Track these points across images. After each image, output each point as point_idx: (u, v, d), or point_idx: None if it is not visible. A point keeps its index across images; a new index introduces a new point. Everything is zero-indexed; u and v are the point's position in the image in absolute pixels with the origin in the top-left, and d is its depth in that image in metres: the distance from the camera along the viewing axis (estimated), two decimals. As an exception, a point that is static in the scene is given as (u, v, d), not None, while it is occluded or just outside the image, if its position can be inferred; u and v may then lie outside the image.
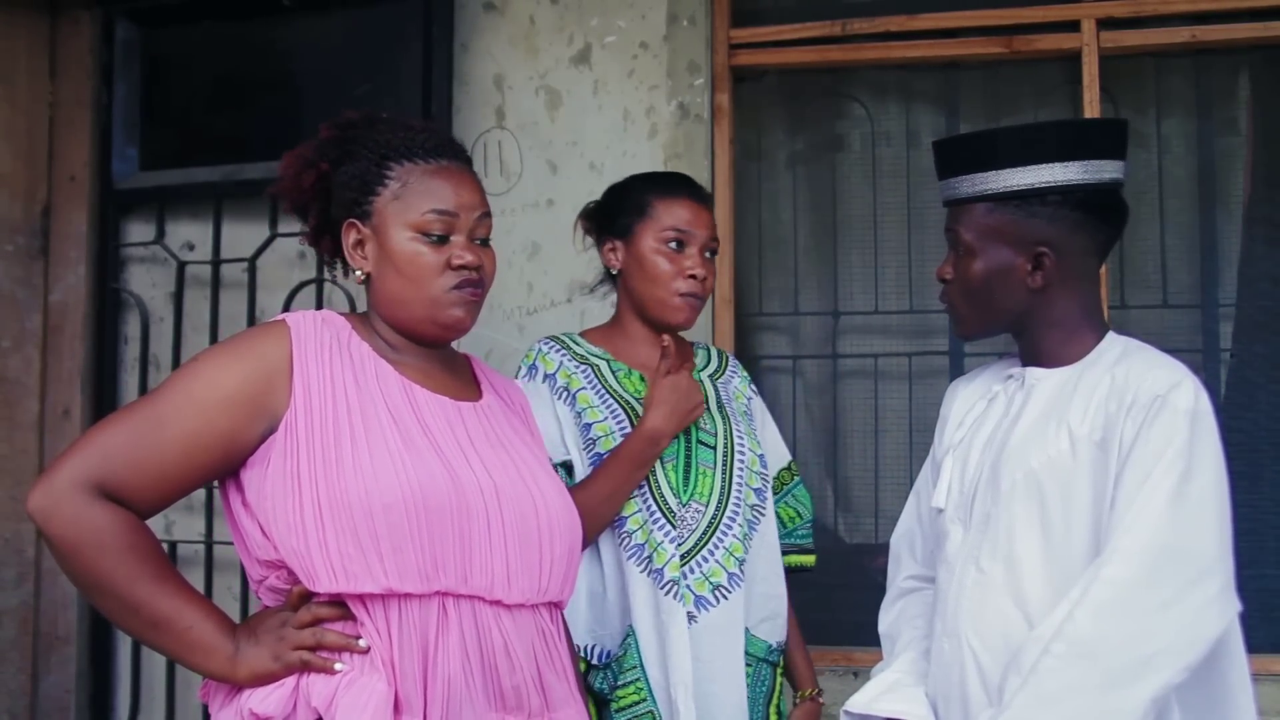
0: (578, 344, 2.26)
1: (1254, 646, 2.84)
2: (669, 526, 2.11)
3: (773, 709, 2.21)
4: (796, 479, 2.40)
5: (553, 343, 2.26)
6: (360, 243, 1.74)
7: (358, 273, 1.74)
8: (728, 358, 2.41)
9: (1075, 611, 1.60)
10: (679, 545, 2.11)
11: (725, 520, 2.15)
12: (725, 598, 2.13)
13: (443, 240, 1.71)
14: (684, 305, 2.21)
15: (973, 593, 1.76)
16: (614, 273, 2.28)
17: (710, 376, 2.31)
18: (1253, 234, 3.13)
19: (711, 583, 2.12)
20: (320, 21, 3.31)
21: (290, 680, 1.56)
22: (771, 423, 2.41)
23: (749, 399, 2.34)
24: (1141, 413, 1.67)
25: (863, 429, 3.26)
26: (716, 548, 2.14)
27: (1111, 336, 1.83)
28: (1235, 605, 1.65)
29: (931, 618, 1.89)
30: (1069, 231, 1.78)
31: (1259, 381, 3.06)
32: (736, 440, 2.22)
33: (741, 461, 2.21)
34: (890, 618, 2.00)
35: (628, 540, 2.12)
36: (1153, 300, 3.12)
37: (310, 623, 1.57)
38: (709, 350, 2.40)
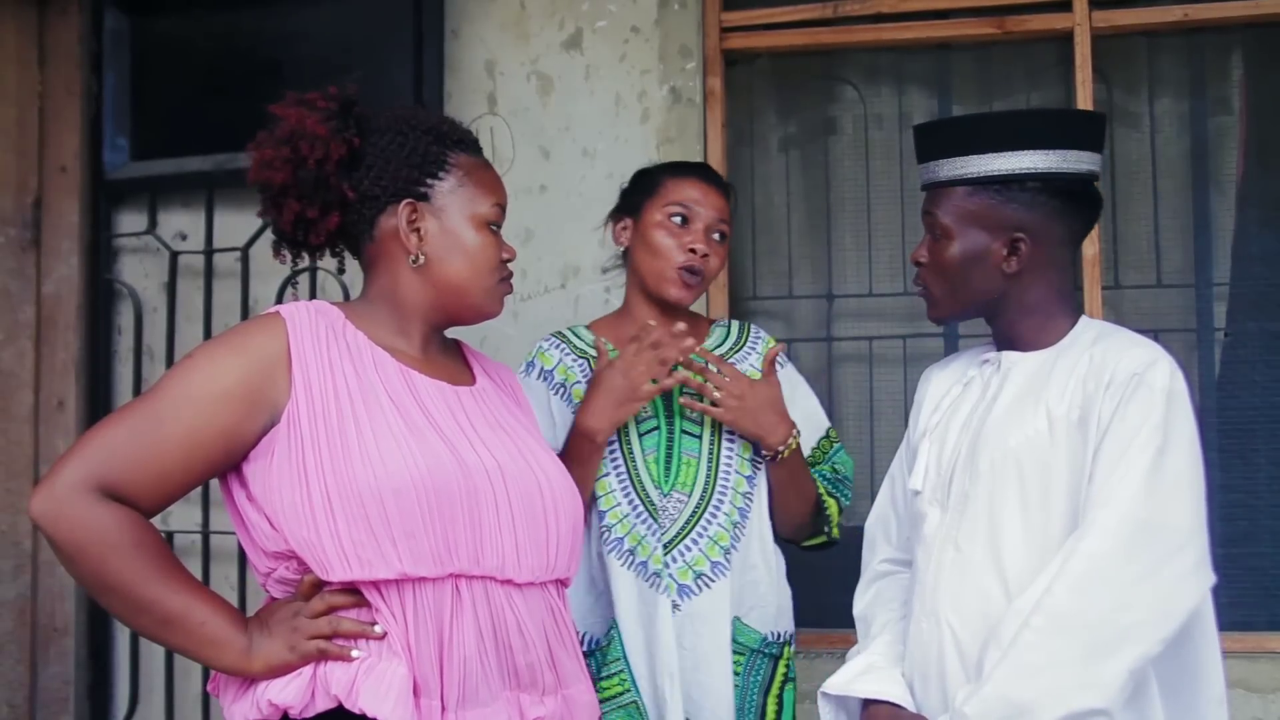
0: (579, 337, 2.27)
1: (1249, 625, 2.87)
2: (651, 520, 2.12)
3: (771, 698, 2.21)
4: (837, 446, 2.33)
5: (553, 339, 2.27)
6: (415, 224, 1.74)
7: (412, 258, 1.74)
8: (750, 333, 2.35)
9: (1054, 585, 1.63)
10: (661, 536, 2.12)
11: (710, 509, 2.15)
12: (709, 586, 2.13)
13: (496, 234, 1.79)
14: (679, 279, 2.20)
15: (951, 572, 1.78)
16: (624, 249, 2.29)
17: (721, 356, 2.29)
18: (1246, 213, 3.13)
19: (694, 571, 2.13)
20: (311, 9, 3.30)
21: (307, 669, 1.57)
22: (805, 393, 2.35)
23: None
24: (1119, 390, 1.70)
25: (858, 412, 3.26)
26: (700, 536, 2.14)
27: (1085, 320, 1.87)
28: (1210, 578, 1.67)
29: (907, 600, 1.91)
30: (1045, 218, 1.80)
31: (1252, 361, 3.06)
32: (727, 427, 2.21)
33: (731, 448, 2.20)
34: (865, 601, 2.02)
35: (608, 534, 2.13)
36: (1146, 280, 3.12)
37: (324, 611, 1.58)
38: (729, 326, 2.36)
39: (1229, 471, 3.00)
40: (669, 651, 2.08)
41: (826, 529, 2.29)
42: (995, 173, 1.79)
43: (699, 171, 2.31)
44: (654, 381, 2.08)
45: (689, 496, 2.15)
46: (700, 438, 2.19)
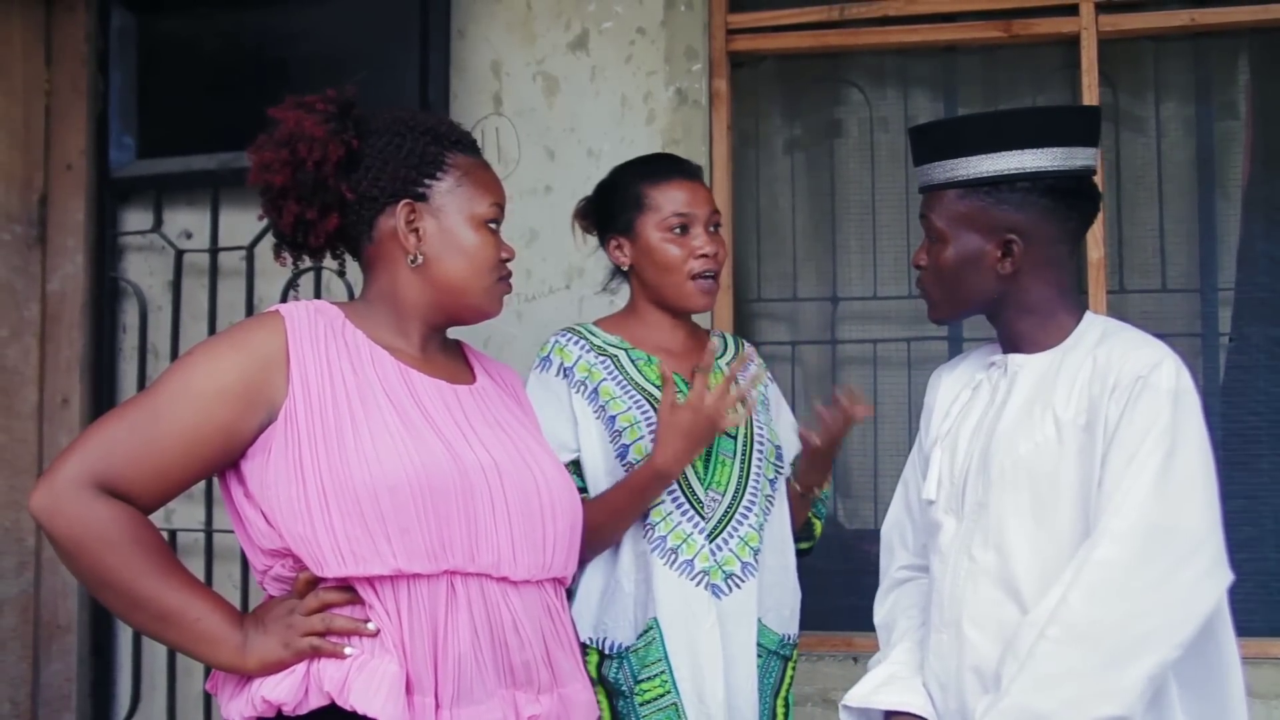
0: (595, 334, 2.24)
1: (1252, 630, 2.87)
2: (698, 517, 2.11)
3: (780, 701, 2.21)
4: None
5: (570, 334, 2.23)
6: (414, 224, 1.75)
7: (411, 257, 1.75)
8: (743, 345, 2.39)
9: (1069, 594, 1.62)
10: (704, 531, 2.11)
11: (741, 509, 2.15)
12: (739, 586, 2.13)
13: (495, 234, 1.80)
14: (701, 288, 2.20)
15: (967, 582, 1.77)
16: (624, 269, 2.27)
17: (729, 365, 2.29)
18: (1251, 218, 3.13)
19: (725, 571, 2.12)
20: (317, 8, 3.30)
21: (300, 667, 1.58)
22: (787, 410, 2.40)
23: (765, 386, 2.33)
24: (1124, 394, 1.68)
25: (861, 415, 3.25)
26: (731, 536, 2.14)
27: (1089, 318, 1.85)
28: (1228, 577, 1.66)
29: (926, 607, 1.90)
30: (1038, 218, 1.79)
31: (1257, 366, 3.06)
32: (756, 430, 2.21)
33: (760, 451, 2.20)
34: (885, 609, 2.01)
35: (651, 533, 2.11)
36: (1151, 285, 3.12)
37: (318, 609, 1.58)
38: (725, 337, 2.38)
39: (1232, 477, 2.99)
40: (714, 649, 2.08)
41: (808, 544, 2.36)
42: (984, 174, 1.79)
43: (677, 170, 2.27)
44: (733, 411, 2.09)
45: (723, 496, 2.15)
46: (735, 438, 2.18)
